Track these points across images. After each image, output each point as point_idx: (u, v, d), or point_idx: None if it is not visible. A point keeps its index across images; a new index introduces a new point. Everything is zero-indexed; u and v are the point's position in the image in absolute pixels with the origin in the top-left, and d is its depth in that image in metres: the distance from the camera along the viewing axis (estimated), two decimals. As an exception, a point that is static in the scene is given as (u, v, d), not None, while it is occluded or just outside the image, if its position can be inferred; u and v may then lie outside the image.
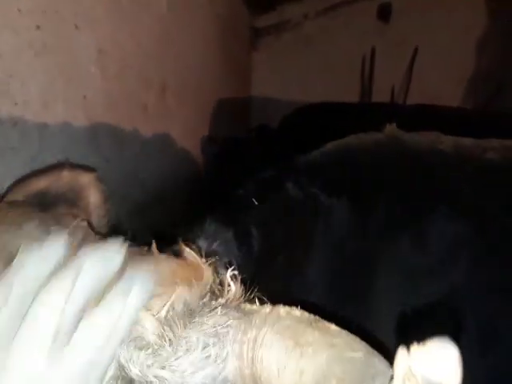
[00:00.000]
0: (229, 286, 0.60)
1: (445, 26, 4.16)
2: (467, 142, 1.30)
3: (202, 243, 0.87)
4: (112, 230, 2.02)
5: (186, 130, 2.91)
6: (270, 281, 0.92)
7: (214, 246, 0.88)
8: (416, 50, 4.27)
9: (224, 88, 3.80)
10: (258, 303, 0.60)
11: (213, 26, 3.42)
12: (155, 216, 2.42)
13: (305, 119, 3.32)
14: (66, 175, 0.84)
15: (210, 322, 0.55)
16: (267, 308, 0.57)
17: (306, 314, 0.57)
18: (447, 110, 3.16)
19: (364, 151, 1.25)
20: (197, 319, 0.56)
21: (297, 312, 0.57)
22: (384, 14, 4.34)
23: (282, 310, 0.56)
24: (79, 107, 1.76)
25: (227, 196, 1.11)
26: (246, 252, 0.93)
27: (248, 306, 0.59)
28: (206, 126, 3.34)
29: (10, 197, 0.79)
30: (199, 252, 0.65)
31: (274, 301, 0.59)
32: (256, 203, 1.02)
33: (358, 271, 1.05)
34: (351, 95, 4.49)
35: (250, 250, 0.94)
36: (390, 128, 1.28)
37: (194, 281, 0.58)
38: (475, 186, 1.12)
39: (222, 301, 0.59)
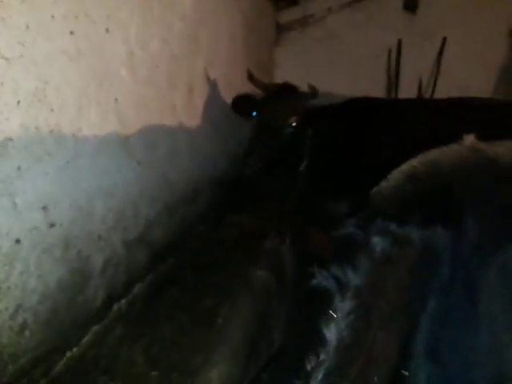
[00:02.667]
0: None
1: (473, 16, 4.01)
2: None
3: None
4: (144, 230, 2.04)
5: (213, 129, 2.90)
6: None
7: None
8: (444, 41, 4.14)
9: (249, 85, 3.77)
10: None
11: (238, 23, 3.39)
12: (182, 215, 2.43)
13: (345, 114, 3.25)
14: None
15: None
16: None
17: None
18: (481, 103, 3.03)
19: (450, 170, 1.20)
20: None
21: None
22: (411, 4, 4.20)
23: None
24: (111, 110, 1.76)
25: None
26: None
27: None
28: (231, 124, 3.33)
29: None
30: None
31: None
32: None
33: (462, 297, 1.04)
34: (377, 88, 4.39)
35: None
36: (470, 139, 1.24)
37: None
38: None
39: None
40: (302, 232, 1.89)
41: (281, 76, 4.83)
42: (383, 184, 1.21)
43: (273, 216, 1.96)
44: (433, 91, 4.25)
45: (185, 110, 2.46)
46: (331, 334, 1.14)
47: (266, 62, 4.53)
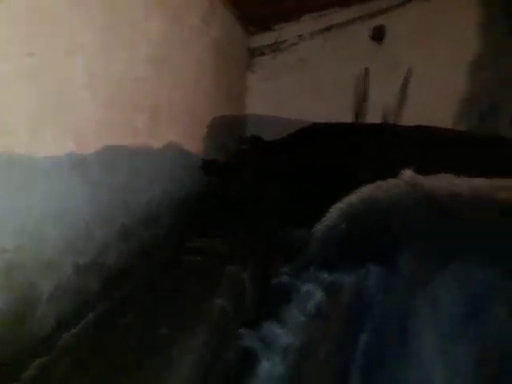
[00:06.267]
0: None
1: (437, 47, 4.22)
2: (479, 182, 1.29)
3: None
4: (98, 254, 1.96)
5: (178, 153, 2.88)
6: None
7: None
8: (409, 72, 4.33)
9: (219, 108, 3.79)
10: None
11: (207, 47, 3.42)
12: (140, 240, 2.37)
13: (306, 137, 3.32)
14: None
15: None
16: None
17: None
18: (440, 132, 3.20)
19: (387, 206, 1.20)
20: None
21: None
22: (378, 35, 4.40)
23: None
24: (68, 134, 1.71)
25: None
26: None
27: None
28: (200, 149, 3.33)
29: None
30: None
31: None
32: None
33: (394, 333, 1.03)
34: (345, 114, 4.54)
35: None
36: (408, 174, 1.27)
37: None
38: (495, 231, 1.10)
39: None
40: (265, 259, 1.89)
41: (252, 99, 4.93)
42: (320, 225, 1.20)
43: (237, 241, 1.93)
44: (397, 119, 4.42)
45: (149, 132, 2.43)
46: None
47: (237, 86, 4.59)
